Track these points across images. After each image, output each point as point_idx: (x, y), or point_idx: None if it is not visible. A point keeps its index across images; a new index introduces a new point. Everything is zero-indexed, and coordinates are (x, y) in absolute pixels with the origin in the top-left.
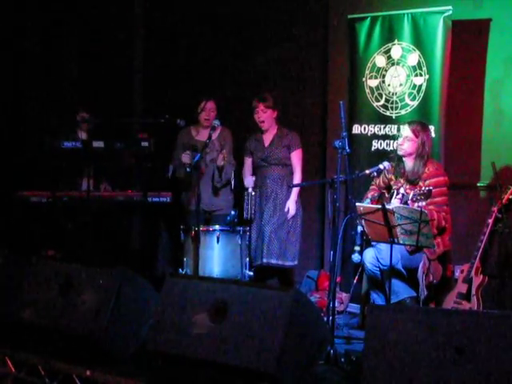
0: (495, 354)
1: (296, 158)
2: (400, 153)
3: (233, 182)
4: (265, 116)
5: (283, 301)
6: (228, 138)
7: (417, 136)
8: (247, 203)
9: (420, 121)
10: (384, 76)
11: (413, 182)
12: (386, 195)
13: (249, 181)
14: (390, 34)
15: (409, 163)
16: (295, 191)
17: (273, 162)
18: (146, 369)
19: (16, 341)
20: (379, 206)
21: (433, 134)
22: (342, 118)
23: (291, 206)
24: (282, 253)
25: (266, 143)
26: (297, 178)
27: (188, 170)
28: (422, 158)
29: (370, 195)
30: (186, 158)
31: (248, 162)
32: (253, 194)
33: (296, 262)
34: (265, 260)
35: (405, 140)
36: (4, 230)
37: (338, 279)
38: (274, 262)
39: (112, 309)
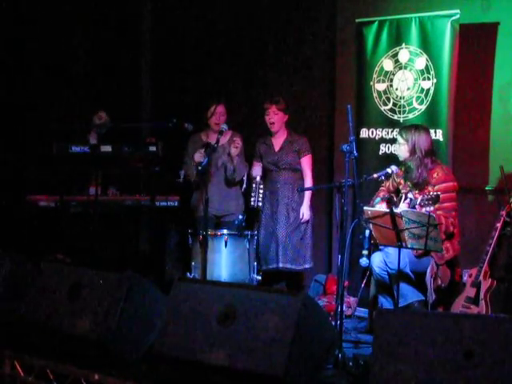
0: (504, 358)
1: (306, 163)
2: (400, 158)
3: (245, 186)
4: (276, 118)
5: (291, 305)
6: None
7: (406, 140)
8: (255, 190)
9: (412, 124)
10: (392, 80)
11: (418, 186)
12: (395, 199)
13: (256, 170)
14: (398, 38)
15: (412, 167)
16: (308, 196)
17: (283, 166)
18: (154, 373)
19: (25, 344)
20: (387, 210)
21: (440, 138)
22: (350, 122)
23: (305, 211)
24: (296, 257)
25: (277, 148)
26: (308, 184)
27: (200, 168)
28: (420, 160)
29: (381, 194)
30: (198, 156)
31: (256, 165)
32: (260, 182)
33: (307, 265)
34: (281, 265)
35: (397, 146)
36: (13, 235)
37: (346, 283)
38: (289, 266)
39: (120, 313)
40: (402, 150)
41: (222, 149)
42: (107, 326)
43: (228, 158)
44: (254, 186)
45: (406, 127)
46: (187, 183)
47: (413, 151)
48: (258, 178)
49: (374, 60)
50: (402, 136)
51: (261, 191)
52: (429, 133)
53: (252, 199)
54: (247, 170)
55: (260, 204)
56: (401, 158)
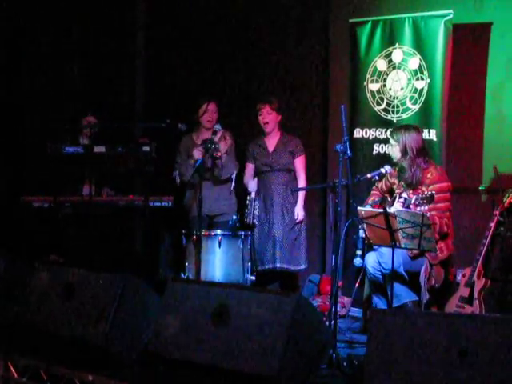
0: (498, 357)
1: (300, 163)
2: (394, 160)
3: (233, 184)
4: (269, 118)
5: (285, 305)
6: (229, 140)
7: (398, 141)
8: (249, 208)
9: (402, 124)
10: (385, 80)
11: (412, 186)
12: (389, 199)
13: (252, 185)
14: (391, 38)
15: (405, 167)
16: (302, 197)
17: (277, 167)
18: (148, 374)
19: (18, 346)
20: (381, 210)
21: (434, 138)
22: (344, 122)
23: (300, 212)
24: (292, 258)
25: (270, 149)
26: (301, 184)
27: (196, 165)
28: (412, 160)
29: (370, 201)
30: (197, 153)
31: (250, 167)
32: (255, 199)
33: (304, 266)
34: (278, 265)
35: (390, 148)
36: (7, 235)
37: (340, 283)
38: (285, 266)
39: (114, 314)
40: (394, 151)
41: (214, 148)
42: (101, 327)
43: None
44: (248, 202)
45: (396, 128)
46: (183, 185)
47: (404, 151)
48: (253, 195)
49: (368, 60)
50: (393, 137)
51: (256, 208)
52: (419, 132)
53: (247, 216)
54: (237, 169)
55: (255, 221)
56: (394, 159)
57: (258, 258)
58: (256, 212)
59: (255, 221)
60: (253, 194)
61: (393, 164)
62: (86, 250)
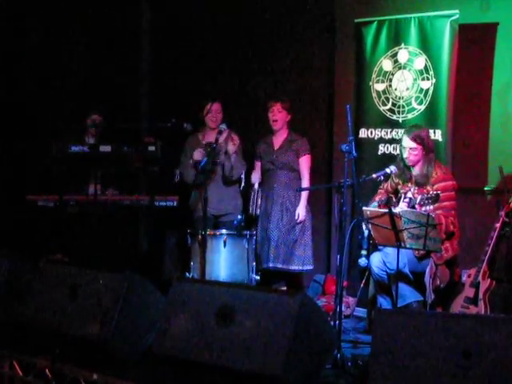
0: (502, 358)
1: (304, 163)
2: (409, 164)
3: (243, 184)
4: (279, 116)
5: (290, 305)
6: (237, 141)
7: (419, 143)
8: (253, 198)
9: (414, 125)
10: (391, 80)
11: (421, 185)
12: (394, 199)
13: (255, 176)
14: (397, 38)
15: (417, 168)
16: (304, 197)
17: (280, 165)
18: (152, 373)
19: (23, 344)
20: (386, 210)
21: (439, 138)
22: (349, 122)
23: (301, 212)
24: (289, 257)
25: (276, 146)
26: (305, 184)
27: (199, 167)
28: (430, 159)
29: (377, 198)
30: (198, 154)
31: (257, 165)
32: (258, 190)
33: (306, 267)
34: (271, 264)
35: (410, 151)
36: (12, 234)
37: (345, 283)
38: (279, 266)
39: (119, 313)
40: (415, 154)
41: (219, 148)
42: (106, 326)
43: (225, 156)
44: (252, 193)
45: (413, 130)
46: (182, 183)
47: (426, 151)
48: (257, 186)
49: (373, 60)
50: (414, 140)
51: (259, 199)
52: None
53: (251, 207)
54: (245, 169)
55: (258, 211)
56: (410, 163)
57: (260, 256)
58: (259, 202)
59: (259, 211)
60: (256, 185)
61: (397, 165)
62: (90, 249)
